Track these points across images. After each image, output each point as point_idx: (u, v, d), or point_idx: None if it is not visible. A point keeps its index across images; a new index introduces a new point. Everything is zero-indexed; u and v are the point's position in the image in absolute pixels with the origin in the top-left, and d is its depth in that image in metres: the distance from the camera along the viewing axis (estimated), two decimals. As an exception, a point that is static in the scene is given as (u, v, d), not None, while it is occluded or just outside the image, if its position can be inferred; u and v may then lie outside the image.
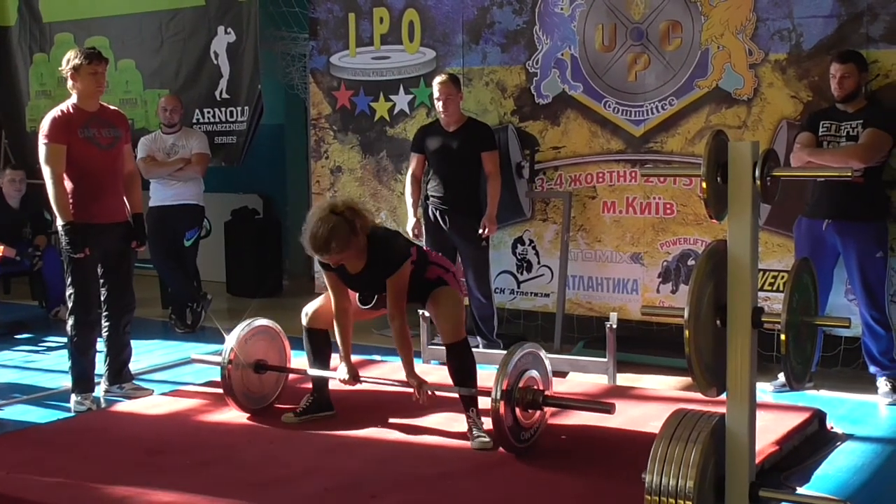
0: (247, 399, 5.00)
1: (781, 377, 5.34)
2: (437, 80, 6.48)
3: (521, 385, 4.32)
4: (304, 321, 4.93)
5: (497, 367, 4.32)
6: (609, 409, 4.36)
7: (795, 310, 3.15)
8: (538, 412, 4.44)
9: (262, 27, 8.11)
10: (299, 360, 5.11)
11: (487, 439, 4.43)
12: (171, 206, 7.56)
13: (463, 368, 4.61)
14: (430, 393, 4.63)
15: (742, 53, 5.96)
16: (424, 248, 4.90)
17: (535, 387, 4.42)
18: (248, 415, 4.98)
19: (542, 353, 4.54)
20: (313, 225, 4.38)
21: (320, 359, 4.91)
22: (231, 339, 4.94)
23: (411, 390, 4.64)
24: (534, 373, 4.43)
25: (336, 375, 4.80)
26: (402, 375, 4.72)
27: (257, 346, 5.04)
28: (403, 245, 4.67)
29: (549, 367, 4.57)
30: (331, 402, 4.98)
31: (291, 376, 5.19)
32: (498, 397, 4.20)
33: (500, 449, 4.36)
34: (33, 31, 9.71)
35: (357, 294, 4.86)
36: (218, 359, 4.98)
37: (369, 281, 4.67)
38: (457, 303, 4.73)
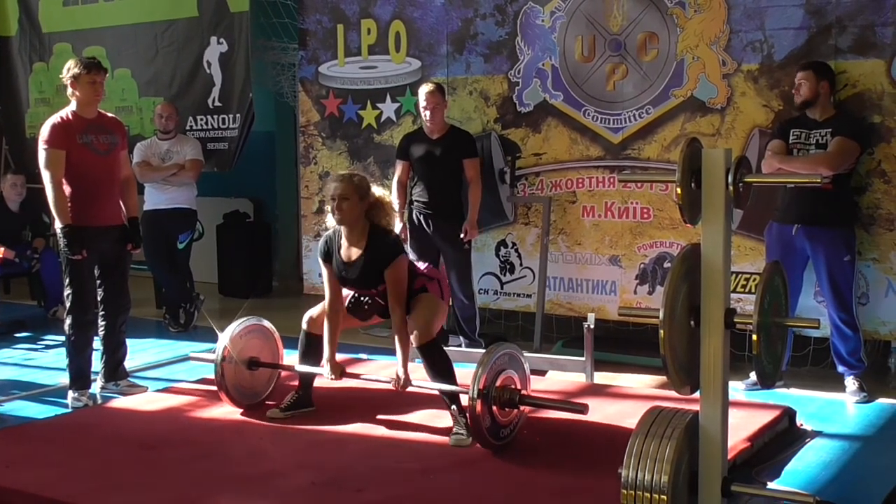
0: (239, 394, 5.06)
1: (753, 376, 5.34)
2: (425, 89, 6.51)
3: (498, 384, 4.35)
4: (304, 324, 5.01)
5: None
6: (582, 410, 4.36)
7: (766, 311, 3.21)
8: (515, 410, 4.47)
9: (253, 37, 8.17)
10: (291, 358, 5.16)
11: (465, 434, 4.50)
12: (165, 210, 7.60)
13: (435, 368, 4.67)
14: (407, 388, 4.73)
15: (716, 64, 6.04)
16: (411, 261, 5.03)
17: (513, 386, 4.44)
18: (239, 411, 5.03)
19: (521, 354, 4.57)
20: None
21: (311, 360, 4.99)
22: (225, 336, 5.01)
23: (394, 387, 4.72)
24: (511, 372, 4.46)
25: (322, 372, 4.90)
26: (387, 373, 4.81)
27: (251, 343, 5.12)
28: (399, 241, 4.82)
29: (526, 367, 4.59)
30: (312, 399, 5.07)
31: (284, 375, 5.23)
32: (475, 396, 4.24)
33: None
34: (33, 41, 9.75)
35: (349, 298, 4.97)
36: (214, 356, 5.03)
37: (365, 272, 4.75)
38: (432, 306, 4.79)
